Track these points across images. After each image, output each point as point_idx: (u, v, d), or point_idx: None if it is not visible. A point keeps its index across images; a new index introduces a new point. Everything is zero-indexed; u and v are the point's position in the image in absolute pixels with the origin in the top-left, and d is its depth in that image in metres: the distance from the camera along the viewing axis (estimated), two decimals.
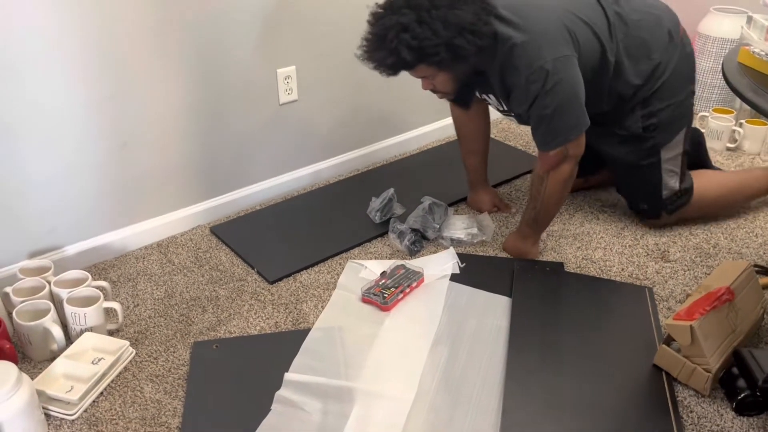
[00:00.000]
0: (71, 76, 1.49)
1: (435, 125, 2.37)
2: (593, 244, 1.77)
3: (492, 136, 2.42)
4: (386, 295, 1.51)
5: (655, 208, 1.78)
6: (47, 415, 1.24)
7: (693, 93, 1.70)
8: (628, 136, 1.70)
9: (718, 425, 1.23)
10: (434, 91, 1.60)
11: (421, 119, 2.33)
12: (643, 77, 1.62)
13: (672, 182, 1.73)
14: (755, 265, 1.63)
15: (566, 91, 1.46)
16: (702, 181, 1.78)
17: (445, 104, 2.37)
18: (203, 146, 1.79)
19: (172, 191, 1.78)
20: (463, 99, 1.79)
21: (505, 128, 2.50)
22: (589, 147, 1.57)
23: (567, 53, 1.46)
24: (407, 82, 2.20)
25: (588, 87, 1.51)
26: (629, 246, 1.75)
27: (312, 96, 1.97)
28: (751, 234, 1.79)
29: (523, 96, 1.49)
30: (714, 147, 2.23)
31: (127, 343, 1.38)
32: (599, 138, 1.72)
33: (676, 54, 1.63)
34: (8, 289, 1.43)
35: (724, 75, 1.11)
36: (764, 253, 1.72)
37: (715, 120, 2.23)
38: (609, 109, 1.67)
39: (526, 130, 2.47)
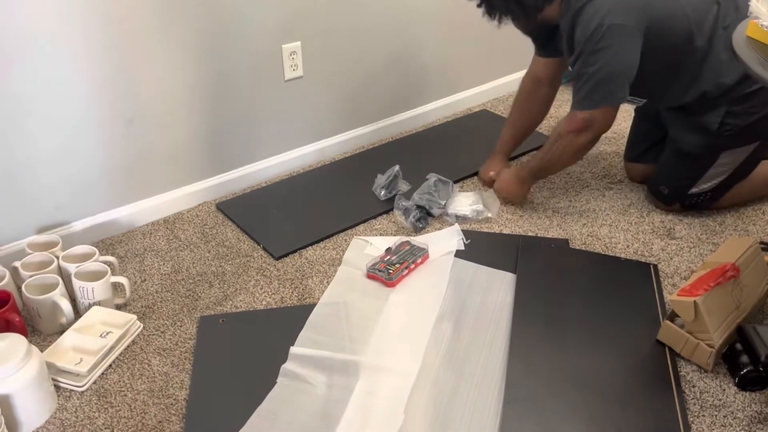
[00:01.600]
0: (77, 53, 1.49)
1: (441, 102, 2.36)
2: (599, 221, 1.76)
3: (498, 113, 2.41)
4: (391, 271, 1.52)
5: (674, 197, 1.75)
6: (57, 387, 1.26)
7: None
8: (701, 127, 1.64)
9: (720, 400, 1.23)
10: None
11: (426, 96, 2.32)
12: (739, 74, 1.53)
13: (708, 185, 1.70)
14: (761, 242, 1.62)
15: (611, 58, 1.50)
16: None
17: (451, 82, 2.37)
18: (209, 123, 1.79)
19: (178, 168, 1.79)
20: (544, 43, 1.79)
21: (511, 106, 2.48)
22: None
23: (629, 24, 1.47)
24: (412, 59, 2.19)
25: (665, 71, 1.54)
26: (635, 223, 1.75)
27: (317, 72, 1.96)
28: (758, 211, 1.79)
29: (575, 49, 1.54)
30: None
31: (135, 317, 1.40)
32: (672, 121, 1.71)
33: None
34: (17, 264, 1.44)
35: (732, 49, 1.10)
36: None
37: None
38: (691, 101, 1.63)
39: None
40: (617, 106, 1.58)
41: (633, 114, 1.97)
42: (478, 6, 1.61)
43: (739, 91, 1.56)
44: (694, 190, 1.72)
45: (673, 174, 1.75)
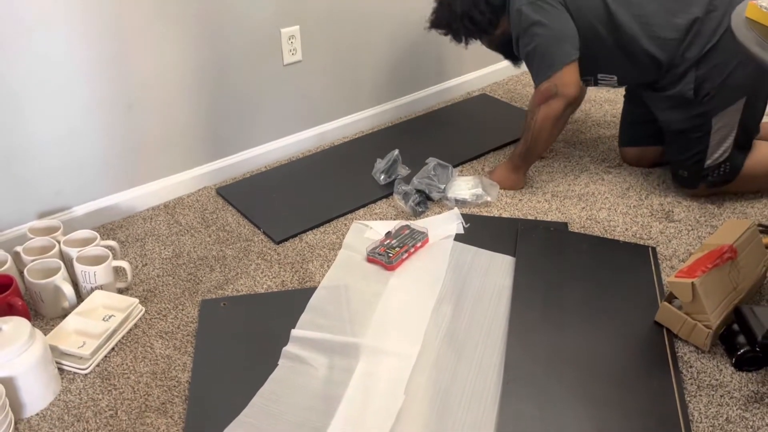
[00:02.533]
0: (75, 38, 1.49)
1: (440, 87, 2.36)
2: (598, 204, 1.77)
3: (498, 97, 2.41)
4: (391, 255, 1.53)
5: (694, 177, 1.73)
6: (60, 370, 1.27)
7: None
8: (679, 100, 1.65)
9: (717, 380, 1.25)
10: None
11: (426, 81, 2.32)
12: (679, 31, 1.58)
13: (718, 153, 1.67)
14: (759, 224, 1.63)
15: (543, 30, 1.62)
16: (756, 155, 1.71)
17: (450, 66, 2.36)
18: (208, 108, 1.79)
19: (178, 152, 1.79)
20: (512, 57, 1.89)
21: (511, 89, 2.48)
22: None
23: (546, 1, 1.62)
24: (412, 43, 2.19)
25: (608, 49, 1.65)
26: (634, 206, 1.76)
27: (316, 56, 1.95)
28: (756, 194, 1.79)
29: (514, 41, 1.71)
30: None
31: (137, 300, 1.41)
32: (653, 103, 1.73)
33: (728, 15, 1.53)
34: (19, 248, 1.45)
35: (731, 29, 1.10)
36: None
37: None
38: (657, 77, 1.66)
39: (531, 90, 2.45)
40: (571, 66, 1.64)
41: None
42: (444, 35, 1.84)
43: (694, 52, 1.59)
44: (708, 162, 1.69)
45: (681, 155, 1.74)
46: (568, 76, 1.64)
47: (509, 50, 1.81)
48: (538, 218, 1.72)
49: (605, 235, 1.65)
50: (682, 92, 1.63)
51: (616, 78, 1.75)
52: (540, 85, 1.68)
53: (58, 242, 1.47)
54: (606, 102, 2.35)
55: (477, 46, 2.41)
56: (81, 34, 1.49)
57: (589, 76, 1.75)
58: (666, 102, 1.69)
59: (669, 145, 1.78)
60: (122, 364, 1.30)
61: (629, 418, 1.16)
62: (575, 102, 1.68)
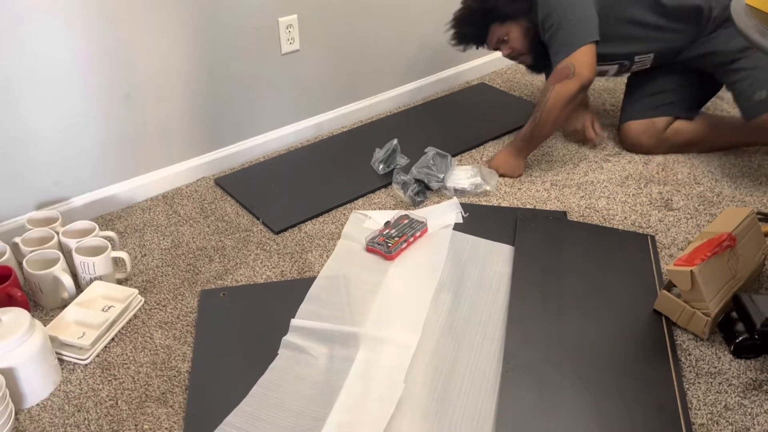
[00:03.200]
0: (72, 28, 1.48)
1: (439, 76, 2.35)
2: (597, 193, 1.77)
3: (496, 86, 2.41)
4: (390, 245, 1.53)
5: None
6: (60, 360, 1.28)
7: None
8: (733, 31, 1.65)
9: (715, 368, 1.25)
10: (512, 56, 1.90)
11: (424, 70, 2.31)
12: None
13: None
14: (758, 212, 1.63)
15: (566, 8, 1.69)
16: None
17: (449, 55, 2.35)
18: (205, 98, 1.78)
19: (176, 143, 1.79)
20: (539, 62, 1.90)
21: (510, 79, 2.47)
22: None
23: None
24: (410, 33, 2.18)
25: (650, 25, 1.75)
26: (633, 195, 1.76)
27: (314, 46, 1.95)
28: (755, 182, 1.79)
29: (540, 24, 1.76)
30: None
31: (136, 291, 1.41)
32: (713, 47, 1.78)
33: None
34: (17, 239, 1.45)
35: (731, 17, 1.09)
36: None
37: None
38: (698, 31, 1.76)
39: (531, 80, 2.45)
40: (589, 47, 1.69)
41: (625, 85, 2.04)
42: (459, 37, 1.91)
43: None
44: None
45: (760, 74, 1.73)
46: (586, 56, 1.68)
47: (536, 48, 1.84)
48: (537, 207, 1.72)
49: (604, 224, 1.65)
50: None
51: (653, 55, 1.82)
52: (559, 62, 1.71)
53: (57, 233, 1.47)
54: (605, 91, 2.35)
55: None
56: (78, 24, 1.48)
57: (626, 60, 1.81)
58: (725, 38, 1.74)
59: (737, 76, 1.77)
60: (122, 354, 1.30)
61: (628, 405, 1.17)
62: (588, 85, 1.71)
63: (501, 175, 1.84)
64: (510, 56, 1.91)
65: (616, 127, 2.02)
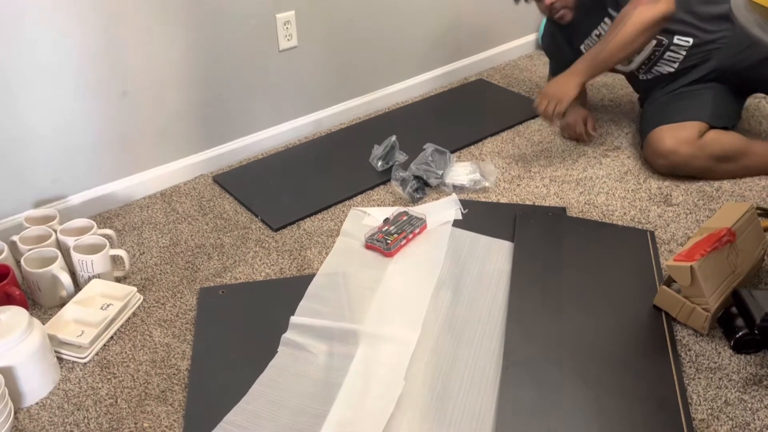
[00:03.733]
0: (68, 25, 1.47)
1: (437, 72, 2.35)
2: (596, 188, 1.77)
3: (495, 82, 2.40)
4: (389, 241, 1.53)
5: None
6: (59, 359, 1.27)
7: None
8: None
9: (715, 363, 1.25)
10: (555, 7, 1.78)
11: (423, 66, 2.30)
12: None
13: None
14: (758, 208, 1.63)
15: None
16: None
17: (448, 51, 2.34)
18: (203, 94, 1.78)
19: (174, 140, 1.78)
20: (575, 26, 1.82)
21: (508, 74, 2.47)
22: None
23: None
24: (407, 29, 2.17)
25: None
26: (632, 190, 1.75)
27: (312, 42, 1.94)
28: (754, 177, 1.79)
29: None
30: None
31: (135, 289, 1.40)
32: (746, 58, 1.71)
33: None
34: (15, 238, 1.44)
35: (731, 11, 1.09)
36: (767, 196, 1.72)
37: None
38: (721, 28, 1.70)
39: (529, 75, 2.45)
40: None
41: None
42: None
43: None
44: None
45: None
46: None
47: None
48: (536, 203, 1.72)
49: (603, 220, 1.65)
50: None
51: (691, 41, 1.73)
52: None
53: (55, 231, 1.47)
54: (603, 86, 2.34)
55: (472, 32, 2.39)
56: (74, 21, 1.48)
57: (665, 38, 1.73)
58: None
59: None
60: (121, 352, 1.30)
61: (628, 401, 1.17)
62: (671, 16, 1.63)
63: (546, 98, 1.73)
64: (553, 6, 1.78)
65: (619, 123, 2.02)
